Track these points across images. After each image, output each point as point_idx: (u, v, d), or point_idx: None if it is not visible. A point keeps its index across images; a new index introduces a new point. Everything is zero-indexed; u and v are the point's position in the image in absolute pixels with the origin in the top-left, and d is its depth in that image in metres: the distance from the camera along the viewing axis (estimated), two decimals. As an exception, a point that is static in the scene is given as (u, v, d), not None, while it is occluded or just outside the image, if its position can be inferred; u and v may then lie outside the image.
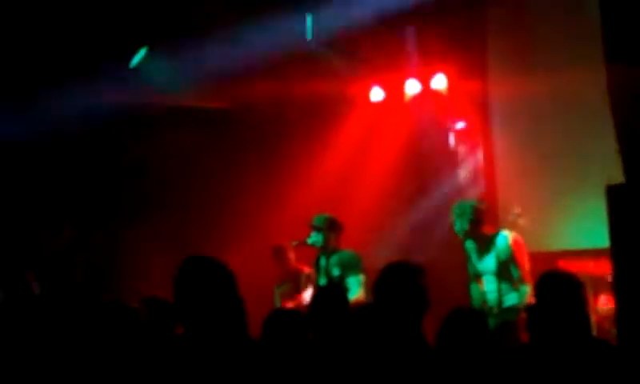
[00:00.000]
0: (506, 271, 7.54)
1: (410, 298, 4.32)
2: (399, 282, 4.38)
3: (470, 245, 7.76)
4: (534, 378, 4.17)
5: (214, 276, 3.87)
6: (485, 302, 7.63)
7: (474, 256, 7.75)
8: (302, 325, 5.00)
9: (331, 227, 8.15)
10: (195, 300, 3.81)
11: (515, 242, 7.58)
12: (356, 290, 7.60)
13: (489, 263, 7.62)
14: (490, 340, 4.12)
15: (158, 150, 10.42)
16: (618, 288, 5.23)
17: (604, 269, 7.67)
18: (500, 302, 7.54)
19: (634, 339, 4.89)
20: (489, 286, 7.64)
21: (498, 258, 7.56)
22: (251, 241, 9.75)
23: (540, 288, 4.49)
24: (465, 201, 7.93)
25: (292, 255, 8.98)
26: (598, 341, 4.50)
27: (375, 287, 4.47)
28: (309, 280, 8.61)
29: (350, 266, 7.85)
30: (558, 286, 4.44)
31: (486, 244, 7.64)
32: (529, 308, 4.73)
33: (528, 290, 7.31)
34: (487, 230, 7.69)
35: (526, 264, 7.50)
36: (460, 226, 7.70)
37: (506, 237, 7.61)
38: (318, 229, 8.14)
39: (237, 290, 3.88)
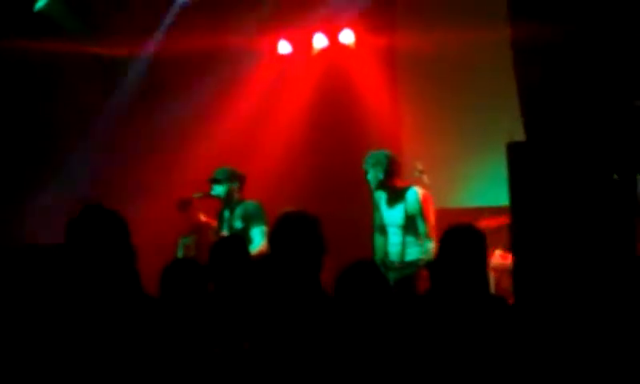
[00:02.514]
0: (412, 226, 7.60)
1: (305, 245, 4.32)
2: (294, 231, 4.37)
3: (379, 195, 7.78)
4: (426, 329, 4.23)
5: (107, 223, 3.85)
6: (387, 254, 7.69)
7: (382, 207, 7.78)
8: (202, 275, 4.96)
9: (234, 179, 8.10)
10: (86, 246, 3.79)
11: (425, 197, 7.64)
12: (259, 241, 7.59)
13: (396, 216, 7.67)
14: (387, 292, 4.14)
15: (62, 99, 10.21)
16: (516, 244, 5.31)
17: (501, 222, 7.83)
18: (403, 255, 7.61)
19: (530, 296, 4.98)
20: (393, 239, 7.69)
21: (406, 211, 7.61)
22: (156, 194, 9.63)
23: (445, 241, 4.54)
24: (380, 151, 7.90)
25: (196, 207, 8.88)
26: (494, 297, 4.58)
27: (271, 237, 4.46)
28: (215, 233, 8.55)
29: (254, 217, 7.82)
30: (463, 240, 4.50)
31: (395, 196, 7.68)
32: (432, 261, 4.79)
33: (432, 246, 7.39)
34: (398, 182, 7.73)
35: (433, 221, 7.57)
36: (374, 174, 7.68)
37: (416, 192, 7.66)
38: (219, 181, 8.10)
39: (129, 240, 3.88)
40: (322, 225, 4.45)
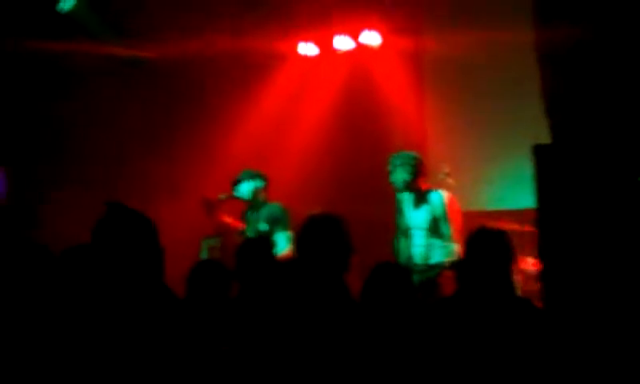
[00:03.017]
0: (436, 228, 7.58)
1: (332, 246, 4.35)
2: (321, 232, 4.39)
3: (404, 197, 7.76)
4: (452, 332, 4.22)
5: (135, 224, 3.86)
6: (411, 256, 7.67)
7: (407, 209, 7.76)
8: (227, 277, 4.98)
9: (258, 180, 8.11)
10: (114, 246, 3.80)
11: (450, 200, 7.63)
12: (284, 245, 7.58)
13: (421, 218, 7.65)
14: (413, 295, 4.15)
15: (85, 99, 10.24)
16: (543, 248, 5.29)
17: (528, 228, 7.79)
18: (427, 257, 7.59)
19: (558, 299, 4.96)
20: (417, 241, 7.66)
21: (431, 213, 7.59)
22: (180, 195, 9.66)
23: (473, 242, 4.53)
24: (407, 151, 7.88)
25: (221, 209, 8.89)
26: (520, 299, 4.56)
27: (298, 240, 4.48)
28: (240, 234, 8.55)
29: (278, 221, 7.82)
30: (489, 242, 4.49)
31: (421, 198, 7.66)
32: (458, 263, 4.77)
33: (456, 248, 7.37)
34: (423, 185, 7.71)
35: (459, 224, 7.55)
36: (400, 176, 7.63)
37: (442, 194, 7.64)
38: (240, 181, 8.12)
39: (157, 240, 3.88)
40: (347, 225, 4.48)
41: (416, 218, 7.69)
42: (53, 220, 9.45)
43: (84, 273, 3.96)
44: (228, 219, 8.74)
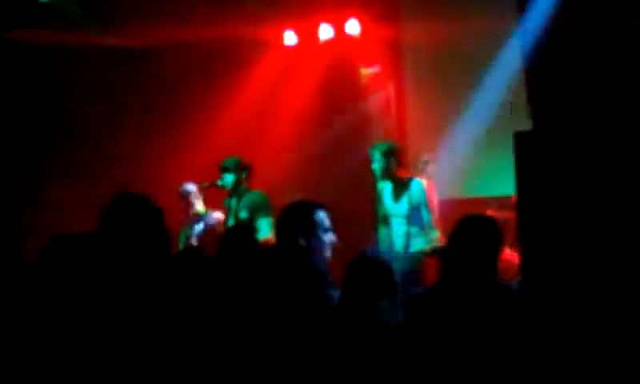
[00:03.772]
0: (416, 216, 7.62)
1: (308, 230, 4.39)
2: (296, 218, 4.45)
3: (383, 186, 7.79)
4: (435, 318, 4.23)
5: (143, 210, 3.87)
6: (392, 245, 7.69)
7: (386, 197, 7.79)
8: (209, 265, 4.96)
9: (242, 169, 8.11)
10: (122, 234, 3.80)
11: (429, 188, 7.68)
12: (266, 232, 7.59)
13: (400, 206, 7.68)
14: (394, 285, 4.15)
15: (70, 87, 10.24)
16: (523, 234, 5.30)
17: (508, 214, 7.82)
18: (407, 245, 7.61)
19: (537, 287, 4.97)
20: (397, 229, 7.70)
21: (410, 202, 7.62)
22: (161, 184, 9.62)
23: (460, 230, 4.53)
24: (387, 141, 7.92)
25: (201, 197, 8.86)
26: (501, 286, 4.58)
27: (277, 227, 4.53)
28: (220, 223, 8.53)
29: (260, 208, 7.82)
30: (479, 229, 4.50)
31: (400, 187, 7.69)
32: (441, 250, 4.79)
33: (437, 235, 7.40)
34: (402, 173, 7.74)
35: (436, 211, 7.59)
36: (381, 165, 7.70)
37: (420, 182, 7.70)
38: (227, 170, 8.10)
39: (164, 227, 3.90)
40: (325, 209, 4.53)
41: (395, 206, 7.71)
42: (40, 215, 9.46)
43: (91, 260, 3.95)
44: (202, 206, 8.71)
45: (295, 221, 4.58)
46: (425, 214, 7.60)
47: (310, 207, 4.62)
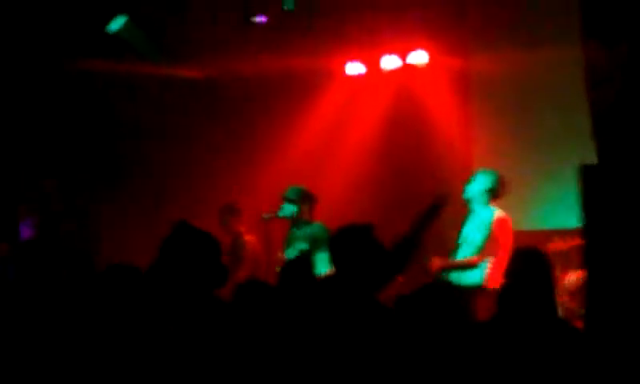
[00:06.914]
0: (477, 241, 7.57)
1: (364, 255, 4.37)
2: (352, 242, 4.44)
3: (470, 214, 7.79)
4: (495, 355, 4.17)
5: (203, 244, 3.91)
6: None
7: (467, 223, 7.81)
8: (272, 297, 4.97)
9: (305, 199, 8.10)
10: (181, 265, 3.83)
11: (500, 220, 7.63)
12: (324, 267, 7.55)
13: (469, 231, 7.72)
14: (460, 316, 4.11)
15: (138, 117, 10.39)
16: (590, 269, 5.21)
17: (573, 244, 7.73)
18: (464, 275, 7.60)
19: (603, 323, 4.87)
20: (460, 252, 7.73)
21: (480, 231, 7.59)
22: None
23: (512, 265, 4.48)
24: (491, 169, 8.01)
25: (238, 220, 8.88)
26: (564, 323, 4.50)
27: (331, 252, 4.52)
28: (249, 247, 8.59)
29: (319, 241, 7.75)
30: (529, 264, 4.44)
31: (478, 214, 7.69)
32: (502, 286, 4.74)
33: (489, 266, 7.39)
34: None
35: (507, 243, 7.52)
36: (481, 186, 7.76)
37: (493, 212, 7.68)
38: (291, 200, 8.09)
39: (221, 262, 3.93)
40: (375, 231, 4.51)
41: (466, 234, 7.70)
42: (106, 235, 9.60)
43: (148, 292, 4.00)
44: (242, 228, 8.72)
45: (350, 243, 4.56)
46: (489, 245, 7.57)
47: (362, 229, 4.62)
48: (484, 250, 7.63)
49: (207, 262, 3.96)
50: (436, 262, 7.62)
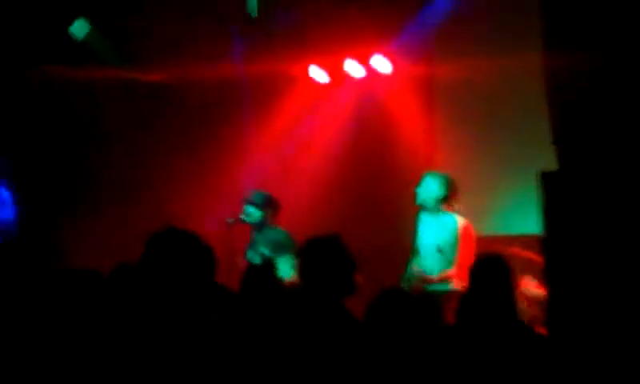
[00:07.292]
0: (447, 251, 7.61)
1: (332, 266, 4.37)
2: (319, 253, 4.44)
3: (424, 218, 7.78)
4: (456, 360, 4.19)
5: (192, 249, 3.87)
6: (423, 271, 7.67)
7: (425, 229, 7.79)
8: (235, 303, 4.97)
9: (269, 205, 8.11)
10: (167, 270, 3.80)
11: (464, 227, 7.66)
12: (287, 272, 7.56)
13: (434, 239, 7.74)
14: (418, 322, 4.12)
15: (99, 123, 10.33)
16: (549, 276, 5.25)
17: (532, 254, 7.78)
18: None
19: (563, 328, 4.92)
20: (428, 261, 7.69)
21: (442, 237, 7.66)
22: (190, 219, 9.64)
23: (474, 271, 4.52)
24: (440, 172, 7.99)
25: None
26: (524, 328, 4.53)
27: (299, 265, 4.51)
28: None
29: (283, 247, 7.77)
30: (489, 271, 4.48)
31: (437, 220, 7.67)
32: (465, 291, 4.77)
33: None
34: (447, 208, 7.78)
35: (468, 251, 7.56)
36: (432, 194, 7.73)
37: (456, 220, 7.69)
38: (256, 205, 8.09)
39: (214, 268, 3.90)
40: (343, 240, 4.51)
41: (429, 238, 7.79)
42: (70, 246, 9.52)
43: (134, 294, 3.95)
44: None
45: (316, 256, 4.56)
46: (453, 251, 7.61)
47: (329, 241, 4.61)
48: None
49: (198, 268, 3.89)
50: (418, 286, 7.60)
